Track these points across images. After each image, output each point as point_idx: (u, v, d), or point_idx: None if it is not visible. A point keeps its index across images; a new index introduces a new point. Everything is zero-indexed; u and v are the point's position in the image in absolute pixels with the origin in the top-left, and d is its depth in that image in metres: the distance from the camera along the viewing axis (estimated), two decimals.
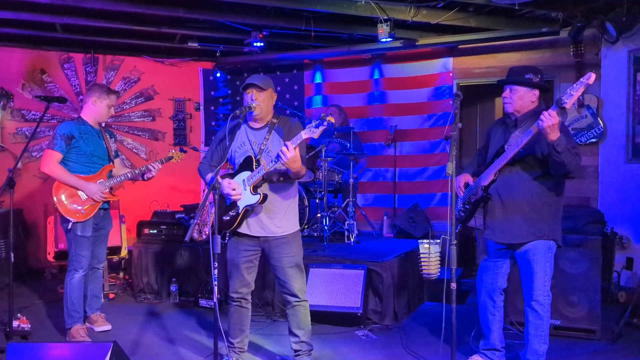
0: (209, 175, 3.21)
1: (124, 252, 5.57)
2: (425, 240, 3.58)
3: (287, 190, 3.22)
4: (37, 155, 6.44)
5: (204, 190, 6.50)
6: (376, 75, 6.78)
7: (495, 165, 3.21)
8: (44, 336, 4.07)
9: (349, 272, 4.38)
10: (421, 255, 3.67)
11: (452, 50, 6.28)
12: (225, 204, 3.17)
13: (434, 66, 6.43)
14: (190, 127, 7.36)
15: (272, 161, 2.99)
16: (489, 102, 7.34)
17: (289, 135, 3.06)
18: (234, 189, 3.08)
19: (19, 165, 6.43)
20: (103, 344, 2.70)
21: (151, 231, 5.40)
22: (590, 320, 3.89)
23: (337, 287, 4.33)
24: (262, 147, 3.15)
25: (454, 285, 2.55)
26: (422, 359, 3.66)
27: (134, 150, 7.04)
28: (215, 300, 2.75)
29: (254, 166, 3.09)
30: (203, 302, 4.85)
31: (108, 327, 4.25)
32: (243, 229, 3.18)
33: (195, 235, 5.04)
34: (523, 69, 3.24)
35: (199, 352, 3.80)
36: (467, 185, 3.43)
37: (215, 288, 2.75)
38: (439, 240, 3.48)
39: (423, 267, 3.69)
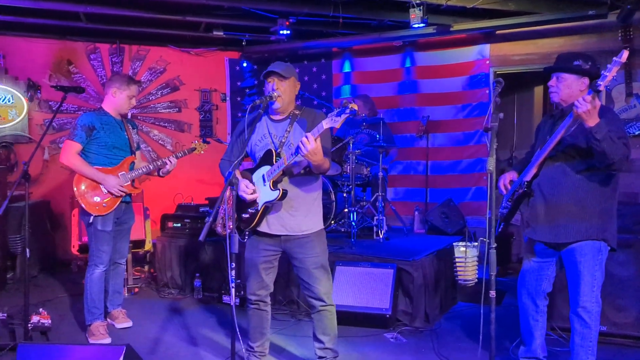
0: (228, 171, 3.02)
1: (148, 246, 5.49)
2: (461, 243, 3.24)
3: (310, 185, 3.00)
4: None
5: None
6: (407, 64, 6.50)
7: (536, 158, 2.96)
8: (64, 332, 4.00)
9: (377, 270, 4.16)
10: (457, 260, 3.31)
11: (488, 36, 5.95)
12: (245, 200, 2.98)
13: (469, 53, 6.12)
14: (217, 118, 7.23)
15: (292, 154, 2.76)
16: (528, 91, 6.98)
17: (312, 127, 2.81)
18: (248, 188, 2.89)
19: (47, 156, 6.48)
20: (116, 347, 2.56)
21: (175, 225, 5.30)
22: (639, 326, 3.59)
23: (365, 287, 4.12)
24: (283, 140, 2.93)
25: (493, 293, 2.29)
26: None
27: (160, 142, 6.96)
28: (232, 303, 2.59)
29: (274, 160, 2.88)
30: (226, 299, 4.72)
31: (129, 323, 4.15)
32: (263, 227, 2.98)
33: (219, 229, 4.89)
34: (572, 55, 2.94)
35: (219, 353, 3.65)
36: (512, 182, 3.18)
37: (233, 290, 2.57)
38: (476, 243, 3.13)
39: (459, 273, 3.34)
